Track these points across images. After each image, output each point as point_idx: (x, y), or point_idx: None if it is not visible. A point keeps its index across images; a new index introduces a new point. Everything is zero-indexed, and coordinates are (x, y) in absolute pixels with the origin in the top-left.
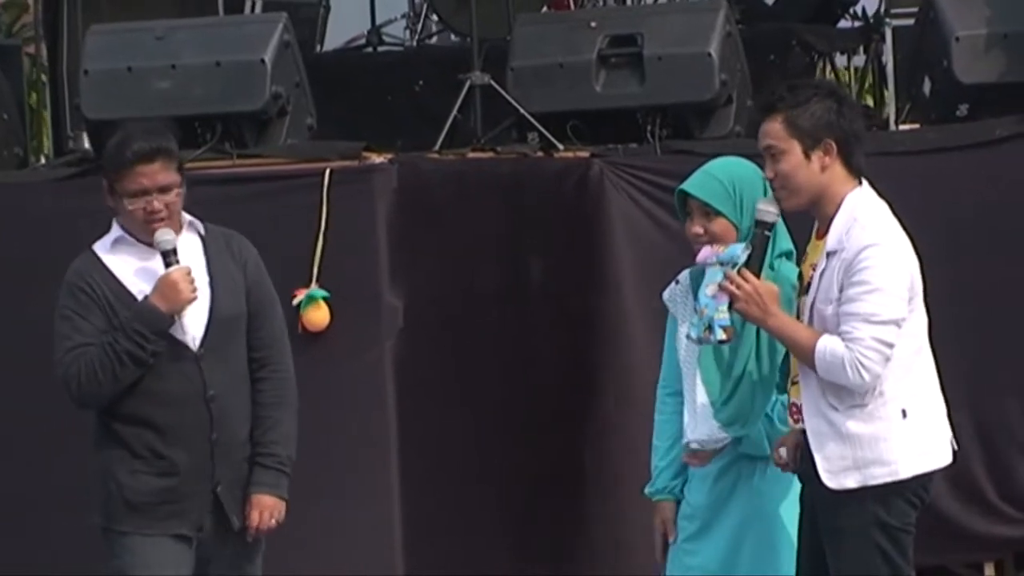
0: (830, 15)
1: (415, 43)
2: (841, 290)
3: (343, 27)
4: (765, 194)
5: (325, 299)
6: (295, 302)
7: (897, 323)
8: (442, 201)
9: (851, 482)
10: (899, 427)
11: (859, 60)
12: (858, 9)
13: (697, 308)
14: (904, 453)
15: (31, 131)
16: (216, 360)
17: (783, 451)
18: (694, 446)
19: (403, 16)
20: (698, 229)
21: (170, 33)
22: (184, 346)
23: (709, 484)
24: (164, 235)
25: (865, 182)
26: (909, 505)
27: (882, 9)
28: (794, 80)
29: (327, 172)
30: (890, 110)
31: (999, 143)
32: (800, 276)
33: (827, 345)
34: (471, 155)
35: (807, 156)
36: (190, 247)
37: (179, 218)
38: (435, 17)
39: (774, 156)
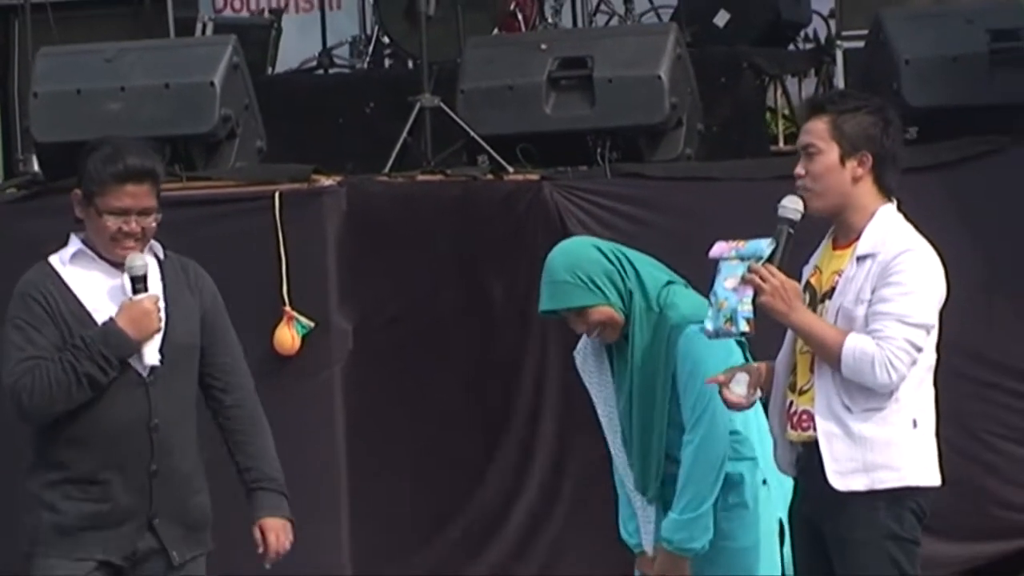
0: (781, 38)
1: (366, 65)
2: (874, 291)
3: (296, 50)
4: (607, 258)
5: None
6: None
7: (927, 328)
8: (392, 224)
9: (858, 484)
10: (910, 436)
11: (811, 83)
12: (809, 31)
13: (714, 301)
14: (912, 462)
15: None
16: (164, 389)
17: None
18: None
19: (354, 39)
20: (583, 328)
21: (120, 55)
22: (134, 371)
23: None
24: (136, 260)
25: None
26: (916, 519)
27: (833, 32)
28: (848, 90)
29: (277, 195)
30: None
31: (948, 166)
32: (808, 284)
33: (856, 343)
34: (421, 178)
35: (842, 162)
36: (149, 271)
37: (148, 243)
38: (386, 40)
39: (810, 155)
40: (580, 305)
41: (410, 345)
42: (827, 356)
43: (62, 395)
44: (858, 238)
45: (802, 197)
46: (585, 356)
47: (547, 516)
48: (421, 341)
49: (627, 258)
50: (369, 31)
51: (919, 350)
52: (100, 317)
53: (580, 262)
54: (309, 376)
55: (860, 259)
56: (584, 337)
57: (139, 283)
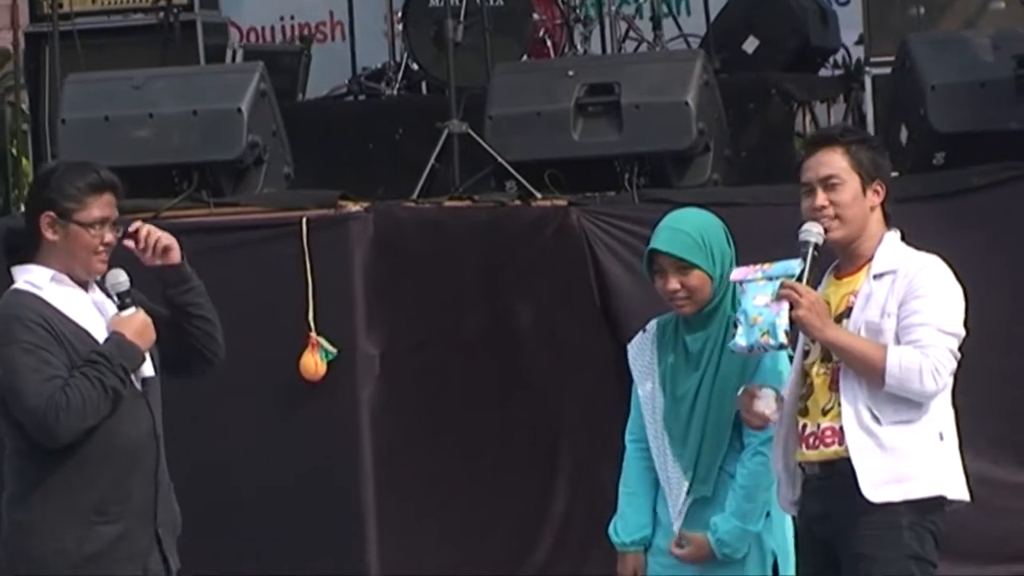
0: (810, 64)
1: (396, 92)
2: (901, 305)
3: (326, 76)
4: (727, 240)
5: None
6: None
7: (959, 339)
8: (419, 249)
9: (893, 495)
10: (937, 447)
11: (839, 108)
12: (839, 58)
13: (745, 318)
14: (941, 472)
15: (13, 180)
16: (155, 399)
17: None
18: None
19: (384, 65)
20: (675, 285)
21: (148, 82)
22: (132, 384)
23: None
24: (118, 276)
25: None
26: (935, 540)
27: (862, 57)
28: (845, 124)
29: (304, 220)
30: None
31: (975, 191)
32: None
33: (901, 353)
34: (448, 203)
35: (863, 191)
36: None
37: None
38: (416, 66)
39: (832, 186)
40: (691, 261)
41: (437, 370)
42: (867, 369)
43: (93, 410)
44: (867, 262)
45: (826, 229)
46: (641, 348)
47: (575, 534)
48: (448, 366)
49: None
50: (399, 58)
51: (955, 360)
52: (97, 335)
53: (709, 228)
54: (336, 402)
55: (877, 277)
56: (641, 333)
57: (125, 298)
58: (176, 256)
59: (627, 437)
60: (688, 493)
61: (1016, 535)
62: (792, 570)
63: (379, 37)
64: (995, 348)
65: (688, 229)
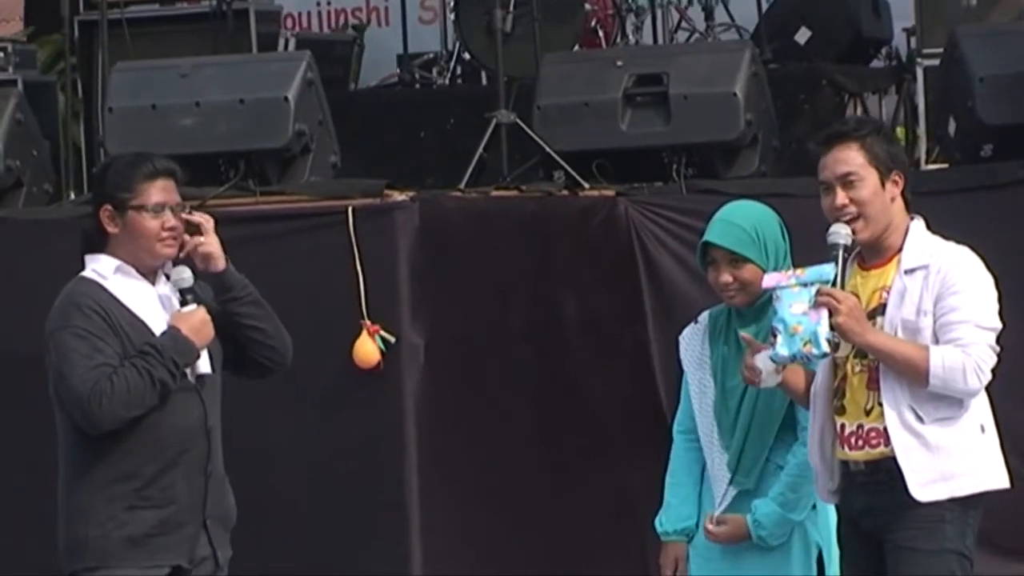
0: (862, 55)
1: (447, 81)
2: (936, 303)
3: (381, 65)
4: (782, 233)
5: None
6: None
7: (997, 331)
8: (465, 239)
9: (940, 493)
10: (980, 440)
11: (891, 100)
12: (892, 49)
13: (783, 328)
14: (986, 466)
15: (69, 167)
16: (211, 392)
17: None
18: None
19: (436, 54)
20: (727, 278)
21: (195, 71)
22: (187, 379)
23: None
24: (183, 272)
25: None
26: (974, 534)
27: (914, 49)
28: (855, 116)
29: (350, 209)
30: (921, 150)
31: (1022, 184)
32: None
33: (944, 354)
34: (495, 193)
35: (882, 185)
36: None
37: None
38: (467, 56)
39: (852, 183)
40: (744, 255)
41: (481, 360)
42: (911, 371)
43: (137, 400)
44: (896, 253)
45: (853, 229)
46: (692, 340)
47: (616, 529)
48: (493, 356)
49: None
50: (451, 47)
51: (996, 353)
52: (155, 327)
53: (763, 222)
54: (382, 391)
55: (908, 272)
56: (692, 324)
57: (188, 294)
58: (217, 264)
59: (675, 428)
60: (730, 484)
61: None
62: (836, 565)
63: (414, 24)
64: None
65: (742, 222)
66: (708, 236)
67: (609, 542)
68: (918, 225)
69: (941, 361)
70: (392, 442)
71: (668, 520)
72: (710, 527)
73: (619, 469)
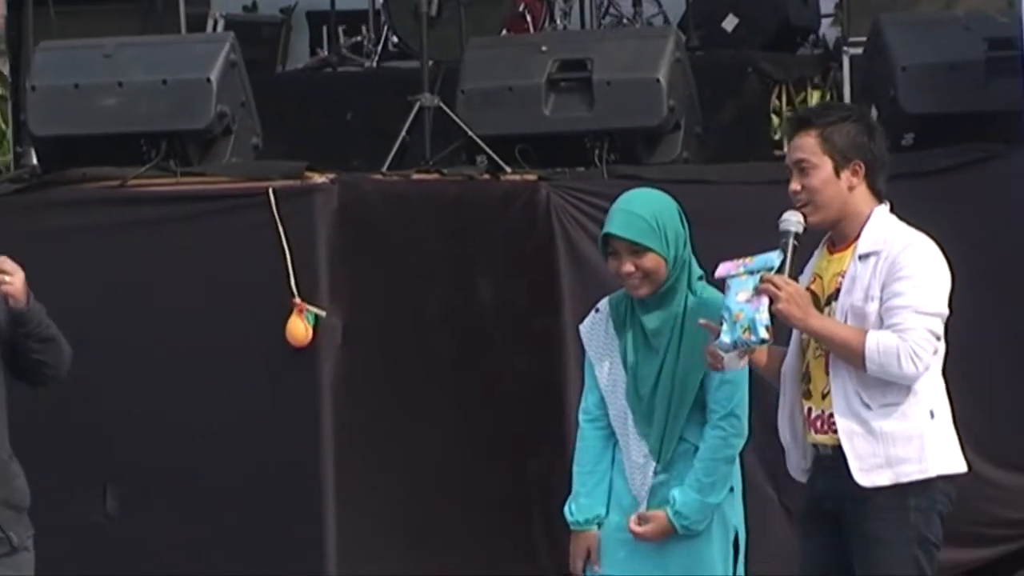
0: (790, 42)
1: (375, 64)
2: (883, 288)
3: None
4: (681, 221)
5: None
6: (303, 315)
7: (942, 317)
8: (385, 222)
9: (883, 479)
10: (929, 426)
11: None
12: (819, 37)
13: (728, 315)
14: (934, 452)
15: None
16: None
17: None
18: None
19: (363, 37)
20: (629, 267)
21: (118, 50)
22: None
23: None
24: None
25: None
26: (940, 520)
27: (840, 37)
28: (828, 102)
29: (270, 191)
30: None
31: (944, 173)
32: (809, 292)
33: (879, 338)
34: (416, 176)
35: (837, 173)
36: None
37: None
38: (395, 39)
39: (804, 170)
40: (646, 245)
41: (400, 342)
42: (849, 356)
43: None
44: (856, 239)
45: (803, 213)
46: (595, 328)
47: (541, 513)
48: (411, 338)
49: (690, 235)
50: (378, 30)
51: (939, 339)
52: None
53: (663, 210)
54: (299, 371)
55: (862, 257)
56: (593, 313)
57: None
58: (18, 304)
59: (581, 416)
60: (655, 473)
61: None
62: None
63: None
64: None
65: (642, 212)
66: (609, 227)
67: (523, 527)
68: (880, 211)
69: (876, 345)
70: (308, 421)
71: (579, 509)
72: (635, 528)
73: (530, 455)
